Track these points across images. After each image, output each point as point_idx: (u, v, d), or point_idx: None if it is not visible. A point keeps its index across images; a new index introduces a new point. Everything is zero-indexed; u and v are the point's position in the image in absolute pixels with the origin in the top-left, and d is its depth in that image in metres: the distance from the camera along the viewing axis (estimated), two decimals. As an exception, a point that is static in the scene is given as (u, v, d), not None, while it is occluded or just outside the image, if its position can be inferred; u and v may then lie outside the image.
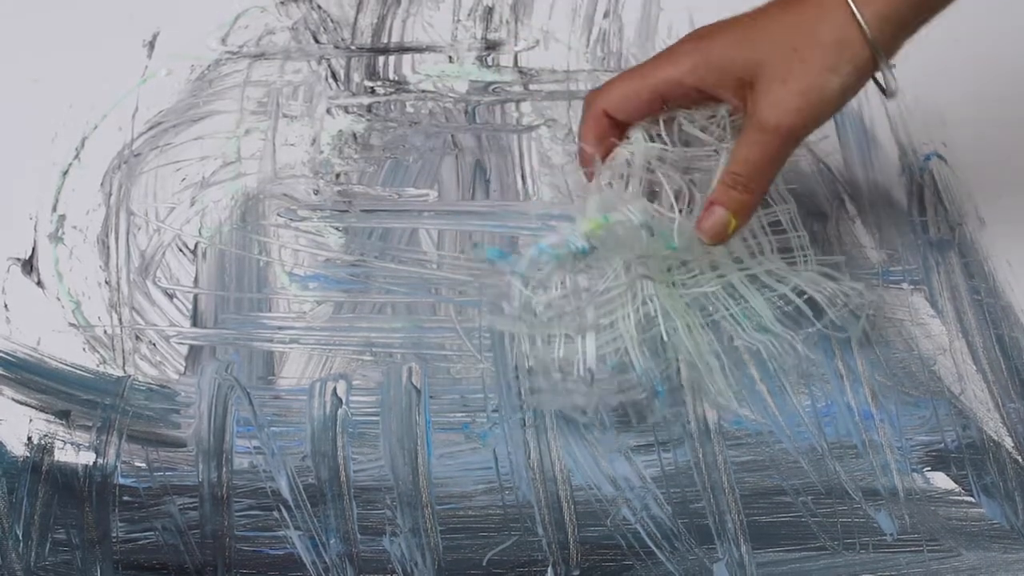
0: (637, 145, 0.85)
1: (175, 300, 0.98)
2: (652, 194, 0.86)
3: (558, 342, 0.87)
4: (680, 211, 0.85)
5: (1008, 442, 0.93)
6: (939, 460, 0.93)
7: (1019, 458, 0.93)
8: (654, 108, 0.85)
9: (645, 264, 0.88)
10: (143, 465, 0.91)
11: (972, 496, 0.91)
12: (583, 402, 0.92)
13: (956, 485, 0.92)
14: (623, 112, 0.85)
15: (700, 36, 0.84)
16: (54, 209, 1.02)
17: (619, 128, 0.86)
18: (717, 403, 0.93)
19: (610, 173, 0.86)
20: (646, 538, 0.89)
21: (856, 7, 0.77)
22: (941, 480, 0.92)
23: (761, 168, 0.82)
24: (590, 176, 0.87)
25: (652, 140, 0.86)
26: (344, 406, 0.93)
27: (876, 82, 0.82)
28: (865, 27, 0.77)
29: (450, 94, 1.09)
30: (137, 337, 0.96)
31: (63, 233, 1.01)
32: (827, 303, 0.91)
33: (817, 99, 0.79)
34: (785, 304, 0.91)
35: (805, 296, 0.91)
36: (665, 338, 0.88)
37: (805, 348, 0.93)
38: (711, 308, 0.91)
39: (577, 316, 0.86)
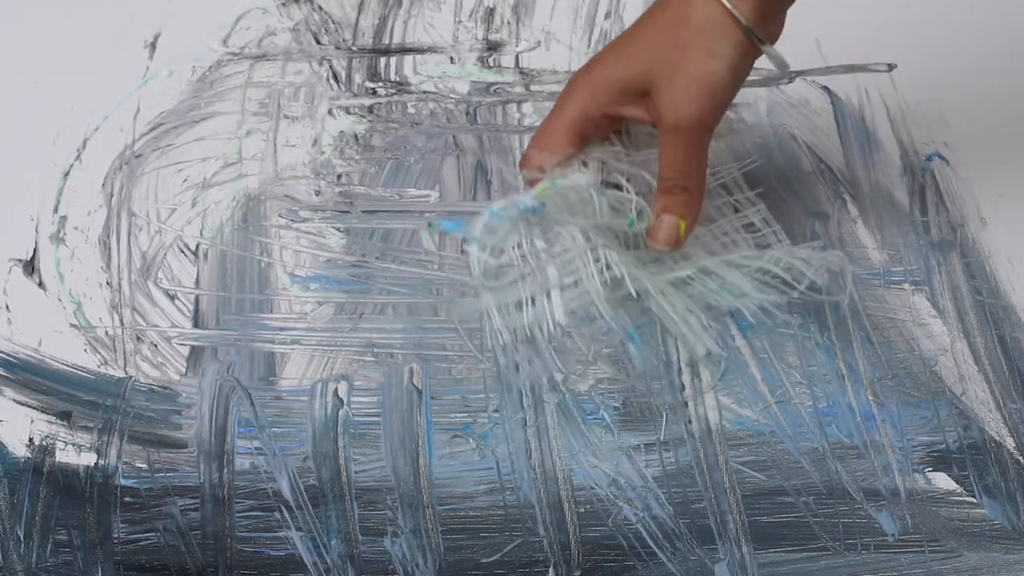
0: (591, 148, 0.87)
1: (176, 301, 0.98)
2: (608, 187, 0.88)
3: (526, 307, 0.87)
4: (637, 193, 0.87)
5: (1010, 442, 0.93)
6: (941, 460, 0.93)
7: (1020, 459, 0.93)
8: (576, 146, 0.86)
9: (607, 237, 0.88)
10: (144, 466, 0.91)
11: (974, 496, 0.91)
12: (561, 361, 0.92)
13: (958, 485, 0.92)
14: (554, 153, 0.86)
15: (587, 68, 0.85)
16: (55, 210, 1.02)
17: None
18: (696, 351, 0.94)
19: (561, 169, 0.86)
20: (647, 538, 0.89)
21: None
22: (943, 480, 0.92)
23: (684, 166, 0.83)
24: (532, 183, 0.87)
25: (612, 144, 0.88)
26: (345, 407, 0.93)
27: (770, 56, 0.83)
28: (728, 3, 0.78)
29: (451, 95, 1.09)
30: (138, 338, 0.96)
31: (64, 234, 1.01)
32: (805, 266, 0.91)
33: (708, 85, 0.80)
34: (763, 275, 0.91)
35: (783, 264, 0.91)
36: (634, 296, 0.88)
37: (784, 314, 0.93)
38: (688, 288, 0.91)
39: (539, 275, 0.86)
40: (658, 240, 0.84)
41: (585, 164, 0.86)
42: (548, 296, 0.86)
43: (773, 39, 0.82)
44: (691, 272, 0.90)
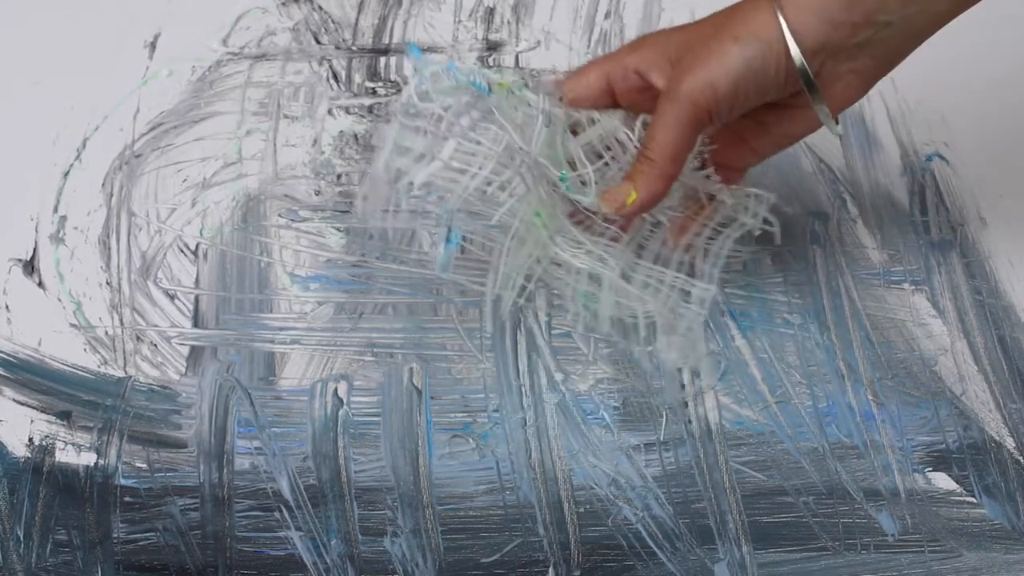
0: (608, 116, 0.86)
1: (176, 301, 0.98)
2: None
3: (409, 154, 0.84)
4: (597, 174, 0.86)
5: (1009, 442, 0.93)
6: (940, 460, 0.93)
7: (1020, 458, 0.93)
8: (603, 93, 0.85)
9: (534, 177, 0.85)
10: (144, 466, 0.91)
11: (973, 496, 0.91)
12: (371, 206, 0.91)
13: (957, 485, 0.92)
14: (582, 96, 0.86)
15: (649, 33, 0.86)
16: (55, 210, 1.02)
17: None
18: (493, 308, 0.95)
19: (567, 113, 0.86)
20: (647, 538, 0.89)
21: None
22: (942, 480, 0.92)
23: (662, 135, 0.81)
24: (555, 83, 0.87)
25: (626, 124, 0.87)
26: (345, 407, 0.93)
27: (805, 81, 0.79)
28: (779, 10, 0.77)
29: (451, 95, 1.10)
30: (138, 338, 0.96)
31: (64, 234, 1.01)
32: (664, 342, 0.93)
33: (716, 64, 0.78)
34: (629, 317, 0.90)
35: (648, 320, 0.91)
36: (493, 222, 0.86)
37: (602, 360, 0.94)
38: (566, 276, 0.91)
39: (438, 141, 0.84)
40: (605, 198, 0.84)
41: (593, 121, 0.86)
42: (428, 160, 0.84)
43: (835, 102, 0.81)
44: (585, 267, 0.89)
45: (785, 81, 0.79)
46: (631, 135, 0.86)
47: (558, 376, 0.94)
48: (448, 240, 0.90)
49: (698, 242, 0.91)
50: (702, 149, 0.86)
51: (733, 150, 0.87)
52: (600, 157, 0.86)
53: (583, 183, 0.85)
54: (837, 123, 0.83)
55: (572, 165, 0.85)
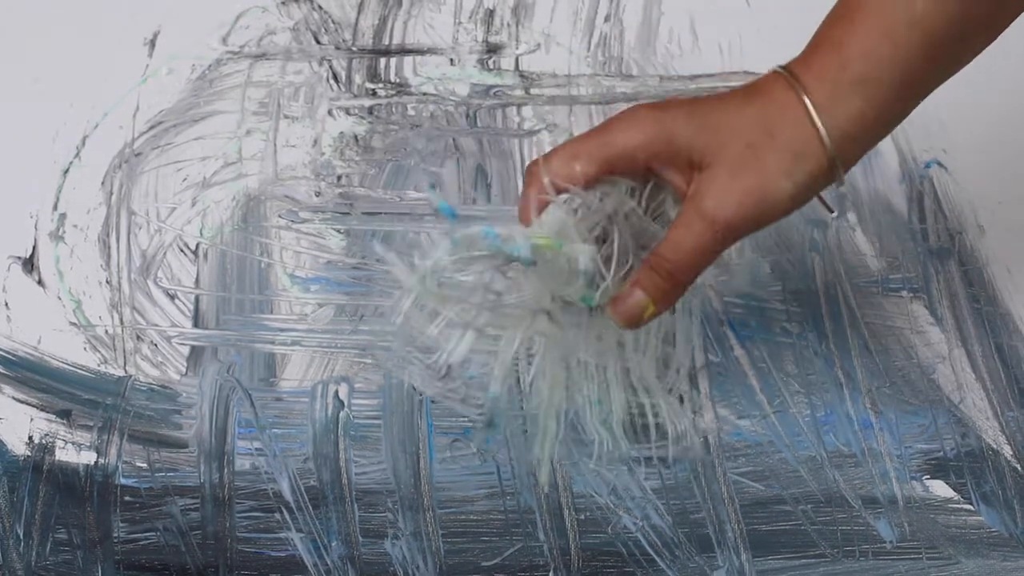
0: (616, 195, 0.80)
1: (176, 300, 0.98)
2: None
3: (440, 322, 0.81)
4: (615, 275, 0.80)
5: (1007, 450, 0.94)
6: (938, 468, 0.93)
7: (1018, 466, 0.93)
8: (600, 175, 0.79)
9: (560, 303, 0.83)
10: (144, 465, 0.91)
11: (971, 504, 0.92)
12: (421, 385, 0.93)
13: (955, 493, 0.92)
14: (569, 183, 0.79)
15: (659, 108, 0.79)
16: (55, 208, 1.02)
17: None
18: (532, 458, 0.91)
19: (569, 206, 0.80)
20: (647, 546, 0.89)
21: (819, 118, 0.74)
22: (940, 488, 0.92)
23: (691, 257, 0.77)
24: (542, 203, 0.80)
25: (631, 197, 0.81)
26: (346, 409, 0.93)
27: (819, 198, 0.79)
28: (827, 140, 0.74)
29: (451, 97, 1.09)
30: (138, 337, 0.96)
31: (64, 232, 1.01)
32: (673, 439, 0.91)
33: (764, 200, 0.75)
34: (638, 415, 0.89)
35: (657, 419, 0.90)
36: (528, 382, 0.86)
37: (630, 461, 0.93)
38: (581, 379, 0.88)
39: (471, 309, 0.80)
40: (618, 312, 0.80)
41: (601, 199, 0.79)
42: (463, 332, 0.81)
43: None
44: (593, 361, 0.87)
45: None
46: (638, 209, 0.81)
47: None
48: (494, 426, 0.91)
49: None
50: None
51: None
52: (600, 240, 0.81)
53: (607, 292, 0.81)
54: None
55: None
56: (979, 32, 0.74)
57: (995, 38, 0.75)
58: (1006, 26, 0.74)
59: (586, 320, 0.85)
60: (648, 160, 0.78)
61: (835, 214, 0.83)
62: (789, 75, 0.76)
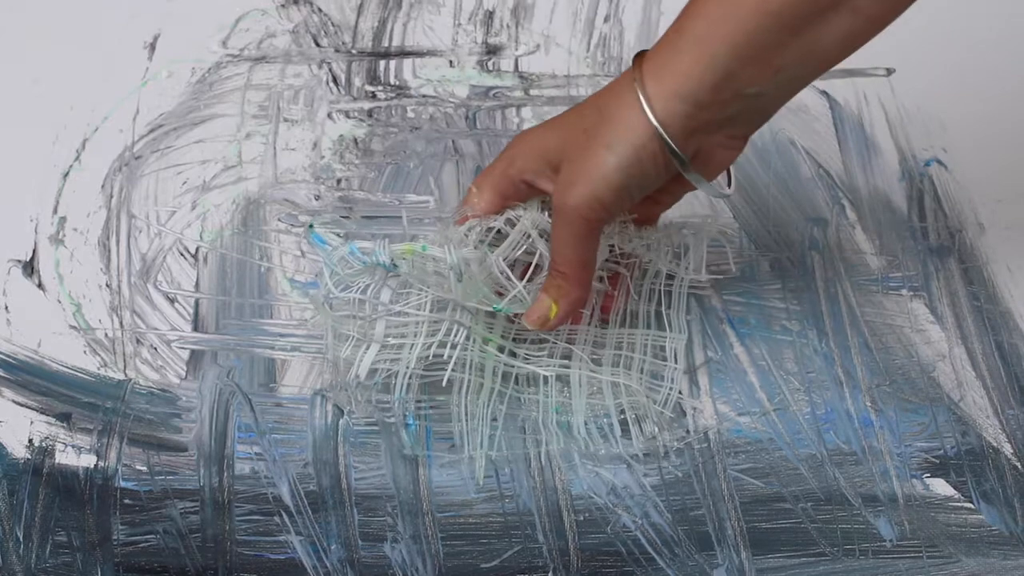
0: (528, 211, 0.86)
1: (176, 304, 0.98)
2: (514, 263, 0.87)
3: (349, 342, 0.88)
4: (526, 282, 0.86)
5: (1007, 448, 0.94)
6: (938, 466, 0.93)
7: (1018, 464, 0.93)
8: (498, 200, 0.86)
9: (471, 315, 0.89)
10: (144, 468, 0.91)
11: (971, 502, 0.92)
12: (347, 404, 0.93)
13: (955, 491, 0.92)
14: (481, 198, 0.86)
15: (530, 130, 0.85)
16: (55, 211, 1.02)
17: None
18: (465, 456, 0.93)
19: (483, 226, 0.86)
20: (646, 545, 0.89)
21: (640, 83, 0.76)
22: (940, 486, 0.92)
23: (565, 251, 0.82)
24: (461, 220, 0.87)
25: (544, 213, 0.86)
26: (345, 416, 0.93)
27: (682, 166, 0.78)
28: (644, 102, 0.75)
29: (451, 99, 1.09)
30: (138, 341, 0.97)
31: (64, 235, 1.01)
32: (637, 432, 0.93)
33: (596, 176, 0.78)
34: (603, 415, 0.92)
35: (622, 418, 0.93)
36: (443, 384, 0.89)
37: (591, 463, 0.93)
38: (530, 387, 0.93)
39: (366, 325, 0.87)
40: (529, 318, 0.86)
41: (512, 223, 0.86)
42: (366, 347, 0.88)
43: (716, 168, 0.80)
44: (550, 372, 0.92)
45: (665, 170, 0.78)
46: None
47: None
48: (407, 428, 0.93)
49: (652, 290, 0.93)
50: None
51: (639, 210, 0.88)
52: (531, 254, 0.87)
53: (521, 299, 0.86)
54: (730, 184, 0.85)
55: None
56: (833, 11, 0.72)
57: (874, 25, 0.74)
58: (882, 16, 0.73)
59: (529, 340, 0.93)
60: (522, 175, 0.84)
61: (730, 190, 0.82)
62: (635, 58, 0.78)
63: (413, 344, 0.87)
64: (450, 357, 0.87)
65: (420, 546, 0.89)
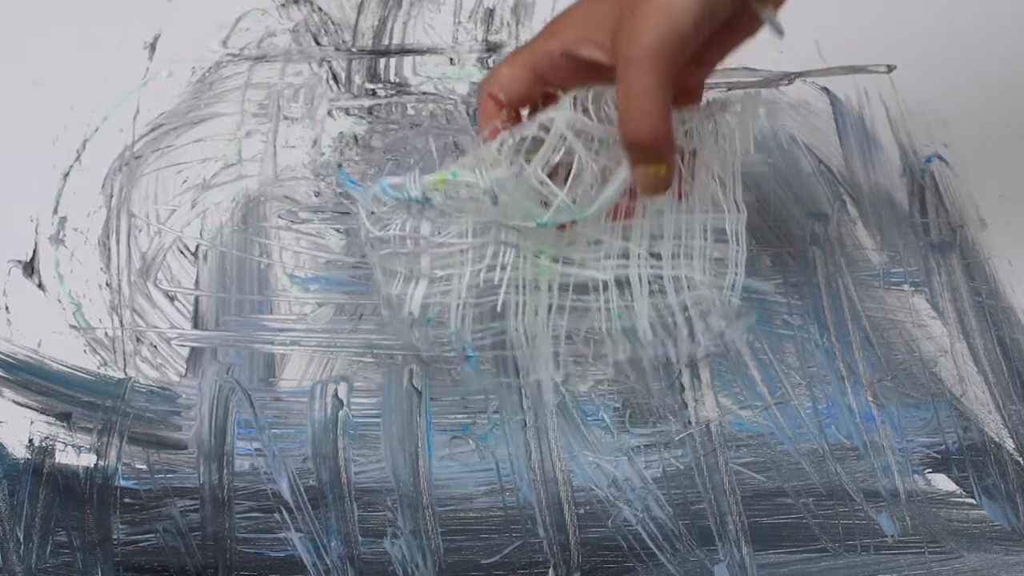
0: (561, 111, 0.78)
1: (176, 302, 0.98)
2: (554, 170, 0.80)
3: (397, 279, 0.85)
4: (571, 189, 0.79)
5: (1009, 444, 0.93)
6: (940, 462, 0.93)
7: (1020, 460, 0.93)
8: (532, 87, 0.80)
9: (518, 233, 0.84)
10: (144, 467, 0.91)
11: (973, 498, 0.91)
12: (404, 341, 0.94)
13: (957, 487, 0.92)
14: (507, 94, 0.80)
15: (566, 9, 0.79)
16: (55, 211, 1.02)
17: (515, 116, 0.82)
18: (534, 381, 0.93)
19: (515, 138, 0.79)
20: (647, 539, 0.89)
21: None
22: (942, 482, 0.92)
23: (647, 104, 0.72)
24: (492, 135, 0.80)
25: (579, 110, 0.79)
26: (345, 408, 0.93)
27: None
28: None
29: (451, 96, 1.09)
30: (138, 339, 0.96)
31: (64, 235, 1.01)
32: (703, 328, 0.91)
33: (674, 8, 0.71)
34: (668, 315, 0.90)
35: (686, 315, 0.90)
36: (498, 309, 0.86)
37: (658, 368, 0.93)
38: (589, 295, 0.89)
39: (413, 259, 0.84)
40: (646, 191, 0.78)
41: (545, 128, 0.78)
42: (415, 283, 0.85)
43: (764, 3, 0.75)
44: (608, 277, 0.87)
45: None
46: (591, 116, 0.79)
47: (558, 377, 0.94)
48: (469, 360, 0.91)
49: (710, 174, 0.88)
50: None
51: (685, 71, 0.78)
52: (570, 158, 0.80)
53: (573, 202, 0.79)
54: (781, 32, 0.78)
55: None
56: None
57: None
58: None
59: (587, 242, 0.87)
60: (564, 46, 0.77)
61: (782, 35, 0.78)
62: None
63: (461, 274, 0.85)
64: (501, 280, 0.85)
65: (420, 542, 0.89)
